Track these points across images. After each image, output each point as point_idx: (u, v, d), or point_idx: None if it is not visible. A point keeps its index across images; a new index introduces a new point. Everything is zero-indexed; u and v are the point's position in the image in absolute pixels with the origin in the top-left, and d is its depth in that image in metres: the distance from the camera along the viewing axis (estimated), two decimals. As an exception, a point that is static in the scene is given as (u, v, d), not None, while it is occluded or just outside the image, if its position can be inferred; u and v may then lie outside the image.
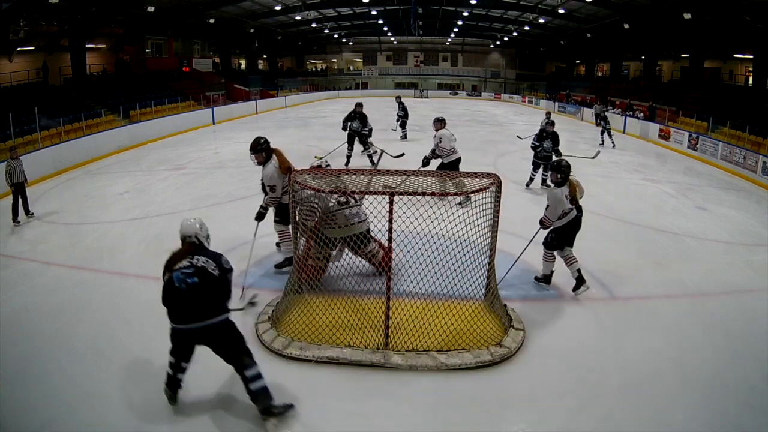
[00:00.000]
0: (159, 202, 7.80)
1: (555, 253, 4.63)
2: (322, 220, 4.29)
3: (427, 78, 39.81)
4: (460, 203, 4.47)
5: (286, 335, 3.69)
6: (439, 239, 3.78)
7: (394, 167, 4.37)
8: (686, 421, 3.06)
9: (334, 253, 4.47)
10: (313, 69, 41.98)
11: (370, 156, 9.88)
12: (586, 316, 4.28)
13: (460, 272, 3.82)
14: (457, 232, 3.75)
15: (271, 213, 4.95)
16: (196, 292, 2.72)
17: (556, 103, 26.38)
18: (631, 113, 18.89)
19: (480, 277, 3.94)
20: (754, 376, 3.45)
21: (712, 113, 15.45)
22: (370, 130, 10.05)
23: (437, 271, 3.82)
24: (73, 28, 17.51)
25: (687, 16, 17.26)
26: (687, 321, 4.25)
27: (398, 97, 14.33)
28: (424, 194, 3.51)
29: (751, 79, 19.11)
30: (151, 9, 18.00)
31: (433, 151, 7.21)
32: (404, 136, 13.43)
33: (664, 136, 15.36)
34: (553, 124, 8.56)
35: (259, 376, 2.84)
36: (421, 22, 30.32)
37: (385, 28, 34.58)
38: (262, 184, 4.86)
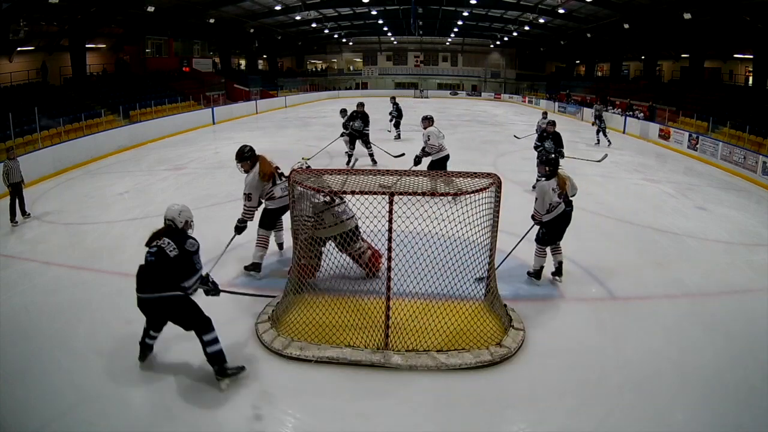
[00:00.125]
0: (159, 202, 7.78)
1: (547, 248, 4.75)
2: (313, 223, 4.30)
3: (427, 78, 39.79)
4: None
5: (286, 335, 3.69)
6: (439, 239, 3.79)
7: (394, 167, 4.36)
8: (686, 421, 3.06)
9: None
10: (313, 69, 41.96)
11: (371, 155, 9.91)
12: (586, 316, 4.28)
13: (460, 272, 3.82)
14: (458, 232, 3.76)
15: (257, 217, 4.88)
16: (151, 268, 3.17)
17: (556, 103, 26.36)
18: (631, 113, 18.87)
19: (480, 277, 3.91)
20: (754, 377, 3.45)
21: (712, 113, 15.44)
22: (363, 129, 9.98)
23: (437, 271, 3.82)
24: (73, 28, 17.52)
25: (687, 16, 17.26)
26: (687, 321, 4.25)
27: (393, 98, 14.40)
28: (424, 194, 3.51)
29: (751, 79, 19.10)
30: (151, 9, 18.01)
31: (424, 149, 7.26)
32: (398, 136, 13.48)
33: (664, 136, 15.35)
34: (554, 124, 8.52)
35: (215, 341, 3.20)
36: (421, 22, 30.31)
37: (385, 28, 34.56)
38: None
